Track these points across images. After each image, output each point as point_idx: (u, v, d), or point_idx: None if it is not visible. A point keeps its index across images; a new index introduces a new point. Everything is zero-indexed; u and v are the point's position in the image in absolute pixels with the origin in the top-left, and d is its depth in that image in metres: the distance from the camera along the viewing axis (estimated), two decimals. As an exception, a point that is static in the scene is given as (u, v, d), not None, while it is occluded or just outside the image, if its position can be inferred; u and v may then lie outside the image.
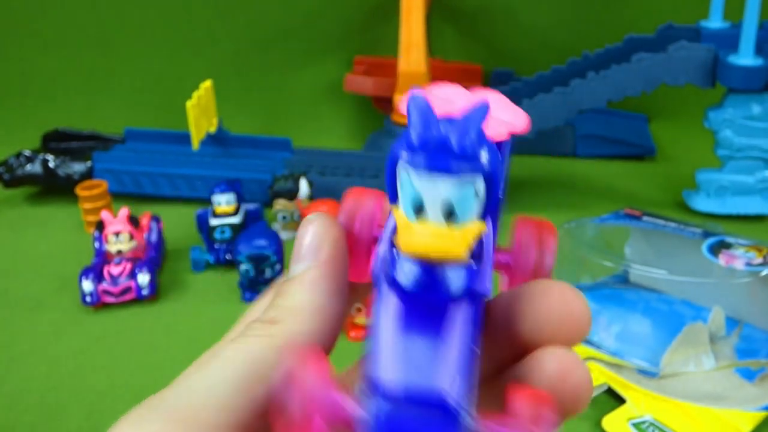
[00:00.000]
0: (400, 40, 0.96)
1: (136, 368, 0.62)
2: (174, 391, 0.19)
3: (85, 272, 0.69)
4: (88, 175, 0.90)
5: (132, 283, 0.69)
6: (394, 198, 0.19)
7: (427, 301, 0.18)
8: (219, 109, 0.91)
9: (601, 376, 0.56)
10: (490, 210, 0.19)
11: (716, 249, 0.66)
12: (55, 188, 0.91)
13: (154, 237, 0.76)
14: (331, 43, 1.12)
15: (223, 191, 0.79)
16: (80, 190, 0.83)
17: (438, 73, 1.05)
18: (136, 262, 0.71)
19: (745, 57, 0.77)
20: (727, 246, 0.66)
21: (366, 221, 0.21)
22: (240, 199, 0.80)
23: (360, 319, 0.64)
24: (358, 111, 1.12)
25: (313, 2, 1.10)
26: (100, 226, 0.73)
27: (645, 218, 0.73)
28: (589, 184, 0.94)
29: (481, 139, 0.18)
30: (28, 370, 0.62)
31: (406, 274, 0.18)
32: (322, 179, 0.86)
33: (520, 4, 1.09)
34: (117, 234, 0.72)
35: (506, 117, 0.20)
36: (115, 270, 0.70)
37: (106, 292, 0.69)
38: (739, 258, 0.64)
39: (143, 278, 0.69)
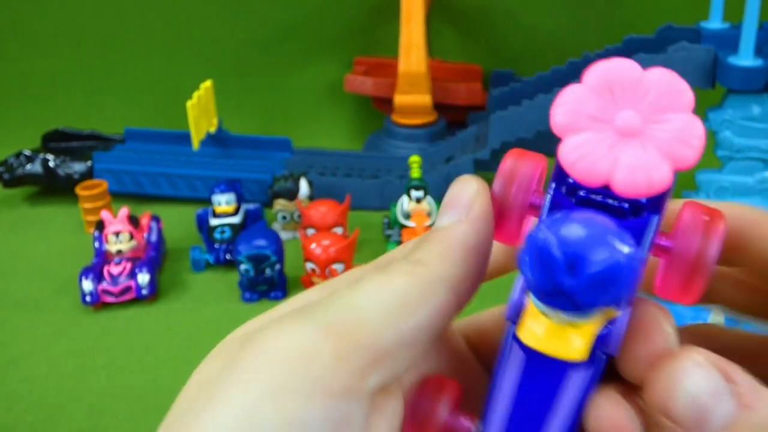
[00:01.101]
0: (400, 41, 0.96)
1: (136, 368, 0.62)
2: (325, 305, 0.18)
3: (85, 272, 0.69)
4: (88, 174, 0.90)
5: (132, 283, 0.69)
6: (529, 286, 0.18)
7: (540, 360, 0.18)
8: (219, 109, 0.91)
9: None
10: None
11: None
12: (55, 188, 0.91)
13: (154, 237, 0.76)
14: (332, 43, 1.12)
15: (223, 191, 0.79)
16: (80, 190, 0.83)
17: (438, 74, 1.05)
18: (136, 261, 0.71)
19: (745, 58, 0.77)
20: (727, 247, 0.66)
21: (523, 186, 0.20)
22: (240, 199, 0.80)
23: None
24: (358, 111, 1.12)
25: (314, 3, 1.10)
26: (100, 225, 0.73)
27: (645, 219, 0.73)
28: (588, 184, 0.94)
29: (607, 287, 0.16)
30: (28, 370, 0.62)
31: (529, 339, 0.18)
32: (322, 179, 0.86)
33: (520, 4, 1.09)
34: (117, 234, 0.72)
35: (670, 146, 0.17)
36: (114, 270, 0.70)
37: (106, 292, 0.69)
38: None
39: (143, 278, 0.69)
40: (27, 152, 0.91)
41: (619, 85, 0.18)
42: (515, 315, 0.19)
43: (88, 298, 0.68)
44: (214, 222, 0.78)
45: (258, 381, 0.17)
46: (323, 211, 0.77)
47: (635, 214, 0.18)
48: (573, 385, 0.19)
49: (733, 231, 0.20)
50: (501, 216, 0.20)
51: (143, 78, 1.13)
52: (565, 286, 0.16)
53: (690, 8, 0.95)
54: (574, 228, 0.16)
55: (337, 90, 1.10)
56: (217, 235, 0.77)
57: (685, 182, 0.89)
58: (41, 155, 0.91)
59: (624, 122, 0.17)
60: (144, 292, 0.69)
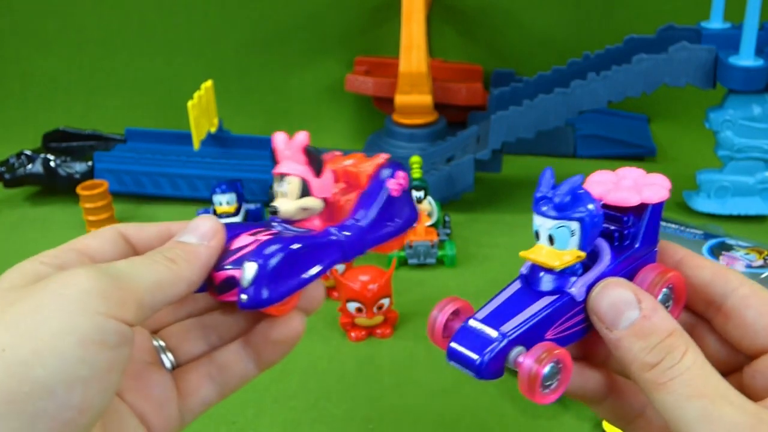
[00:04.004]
0: (401, 41, 0.96)
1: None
2: (115, 269, 0.28)
3: None
4: (89, 174, 0.90)
5: None
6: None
7: (530, 288, 0.31)
8: (220, 109, 0.91)
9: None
10: (616, 248, 0.31)
11: (717, 251, 0.66)
12: (56, 188, 0.91)
13: None
14: (332, 43, 1.12)
15: (223, 191, 0.79)
16: (81, 190, 0.83)
17: (438, 74, 1.05)
18: None
19: (746, 58, 0.77)
20: (728, 248, 0.66)
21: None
22: (241, 199, 0.80)
23: (360, 320, 0.65)
24: (358, 111, 1.12)
25: (314, 3, 1.10)
26: None
27: (645, 219, 0.73)
28: (589, 184, 0.94)
29: (576, 200, 0.29)
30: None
31: (532, 255, 0.30)
32: (322, 179, 0.86)
33: (521, 4, 1.09)
34: None
35: (639, 192, 0.31)
36: None
37: None
38: (739, 260, 0.64)
39: None
40: (28, 152, 0.91)
41: (625, 171, 0.33)
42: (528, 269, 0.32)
43: None
44: (214, 222, 0.78)
45: (43, 305, 0.25)
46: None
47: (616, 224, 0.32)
48: (542, 301, 0.30)
49: (674, 263, 0.32)
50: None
51: (144, 78, 1.13)
52: (549, 195, 0.29)
53: (691, 8, 0.95)
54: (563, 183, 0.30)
55: (338, 90, 1.10)
56: (217, 235, 0.77)
57: (686, 182, 0.89)
58: (42, 155, 0.91)
59: (621, 180, 0.32)
60: None
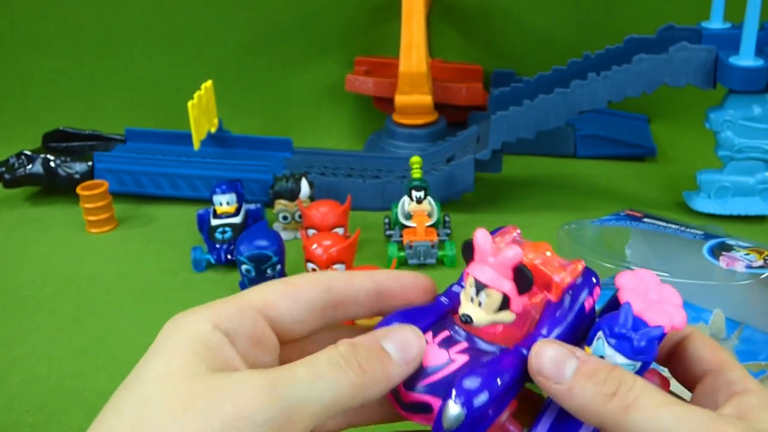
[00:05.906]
0: (401, 41, 0.96)
1: (136, 368, 0.62)
2: (292, 383, 0.28)
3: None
4: (89, 175, 0.89)
5: None
6: (590, 341, 0.32)
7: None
8: (220, 109, 0.91)
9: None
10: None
11: (717, 251, 0.65)
12: (56, 188, 0.91)
13: None
14: (332, 43, 1.12)
15: (223, 191, 0.79)
16: (81, 190, 0.83)
17: (438, 74, 1.05)
18: None
19: (746, 58, 0.77)
20: (728, 248, 0.66)
21: None
22: (241, 200, 0.80)
23: (360, 321, 0.64)
24: (358, 111, 1.12)
25: (314, 2, 1.10)
26: None
27: (646, 220, 0.73)
28: (589, 184, 0.94)
29: (650, 344, 0.30)
30: (29, 371, 0.62)
31: None
32: (322, 179, 0.86)
33: (521, 4, 1.09)
34: None
35: (671, 317, 0.30)
36: None
37: None
38: (739, 260, 0.64)
39: None
40: (28, 152, 0.91)
41: (651, 279, 0.32)
42: None
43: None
44: (215, 222, 0.78)
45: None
46: (324, 211, 0.77)
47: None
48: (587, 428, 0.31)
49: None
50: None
51: (144, 78, 1.13)
52: (629, 336, 0.30)
53: (691, 8, 0.95)
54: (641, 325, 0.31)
55: (338, 90, 1.10)
56: (218, 236, 0.76)
57: (686, 182, 0.89)
58: (42, 155, 0.90)
59: (650, 297, 0.31)
60: None
